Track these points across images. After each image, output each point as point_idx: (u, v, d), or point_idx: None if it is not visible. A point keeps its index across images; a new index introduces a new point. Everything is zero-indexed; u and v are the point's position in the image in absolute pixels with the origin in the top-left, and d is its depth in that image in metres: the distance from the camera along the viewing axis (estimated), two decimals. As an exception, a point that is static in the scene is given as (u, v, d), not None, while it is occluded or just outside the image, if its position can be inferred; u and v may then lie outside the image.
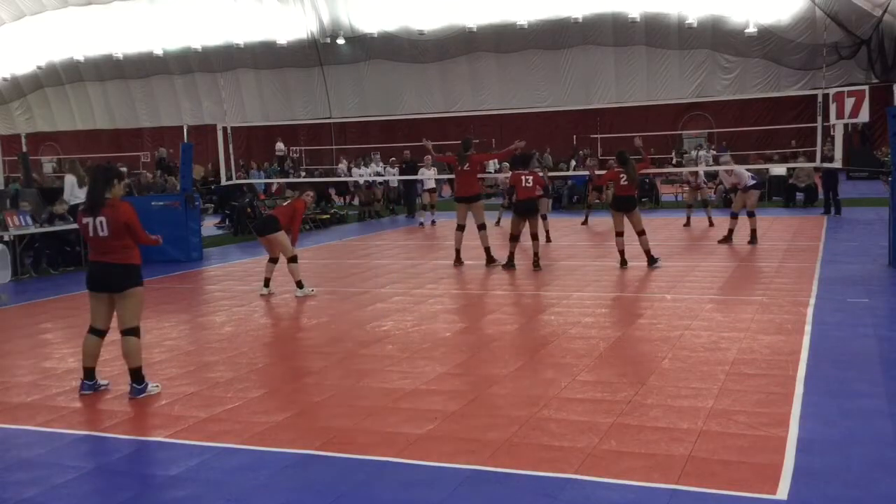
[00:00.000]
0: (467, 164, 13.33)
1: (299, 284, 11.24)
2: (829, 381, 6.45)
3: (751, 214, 14.82)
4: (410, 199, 24.22)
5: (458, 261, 13.47)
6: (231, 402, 6.47)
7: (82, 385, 6.86)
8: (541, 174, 15.22)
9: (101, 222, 6.57)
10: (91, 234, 6.62)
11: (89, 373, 6.85)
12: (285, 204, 12.03)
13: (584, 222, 19.26)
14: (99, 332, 6.81)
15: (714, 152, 30.06)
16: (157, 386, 6.89)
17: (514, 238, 12.90)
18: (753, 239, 14.63)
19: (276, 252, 11.38)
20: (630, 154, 13.14)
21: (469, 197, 13.38)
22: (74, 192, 15.82)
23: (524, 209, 12.72)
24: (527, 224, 12.74)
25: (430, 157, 21.60)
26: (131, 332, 6.68)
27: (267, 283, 11.42)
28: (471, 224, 13.41)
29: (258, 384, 6.94)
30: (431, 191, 21.41)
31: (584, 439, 5.33)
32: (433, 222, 20.77)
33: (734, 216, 15.06)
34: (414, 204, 23.80)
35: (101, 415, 6.31)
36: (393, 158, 28.84)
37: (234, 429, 5.83)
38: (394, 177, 25.85)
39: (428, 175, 21.47)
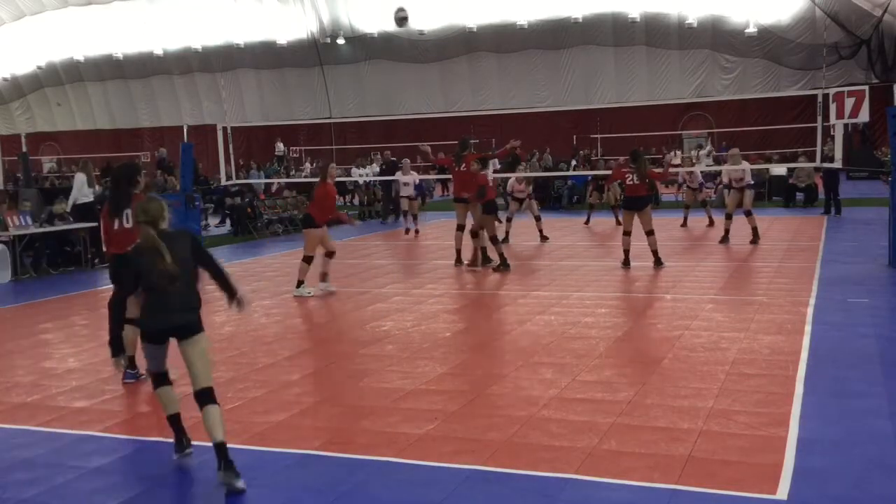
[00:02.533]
0: (464, 165, 13.33)
1: (300, 283, 11.23)
2: (829, 381, 6.45)
3: (748, 213, 14.80)
4: (387, 202, 22.91)
5: (459, 261, 13.47)
6: (231, 402, 6.47)
7: (125, 374, 7.00)
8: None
9: (126, 214, 6.84)
10: (116, 227, 6.86)
11: (131, 361, 6.98)
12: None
13: (587, 222, 19.22)
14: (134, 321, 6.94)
15: (715, 153, 30.06)
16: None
17: (496, 239, 12.99)
18: (756, 237, 14.61)
19: (328, 246, 11.36)
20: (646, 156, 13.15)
21: (466, 199, 13.35)
22: (84, 190, 15.88)
23: (494, 208, 13.01)
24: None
25: (407, 161, 20.79)
26: None
27: (324, 277, 11.44)
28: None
29: (258, 384, 6.94)
30: (411, 198, 19.41)
31: (584, 439, 5.33)
32: (415, 231, 18.82)
33: (729, 217, 15.01)
34: (388, 208, 22.78)
35: (101, 415, 6.30)
36: (394, 158, 28.82)
37: (234, 429, 5.82)
38: (369, 177, 25.35)
39: (406, 180, 19.76)
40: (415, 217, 19.04)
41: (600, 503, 4.48)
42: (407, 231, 18.83)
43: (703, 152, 29.77)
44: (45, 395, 6.87)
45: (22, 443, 5.77)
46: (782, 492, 4.47)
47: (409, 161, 20.81)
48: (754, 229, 14.68)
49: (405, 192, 19.53)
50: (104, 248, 7.00)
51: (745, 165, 15.38)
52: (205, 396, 4.93)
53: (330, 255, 11.45)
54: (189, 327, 5.03)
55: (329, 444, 5.46)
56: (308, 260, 11.29)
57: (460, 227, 13.43)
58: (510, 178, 17.95)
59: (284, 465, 5.14)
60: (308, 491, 4.77)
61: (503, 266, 12.71)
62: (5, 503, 4.74)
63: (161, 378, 5.26)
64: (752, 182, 15.20)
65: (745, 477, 4.67)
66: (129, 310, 6.77)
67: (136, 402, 6.59)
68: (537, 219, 16.53)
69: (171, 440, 5.42)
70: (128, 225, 6.83)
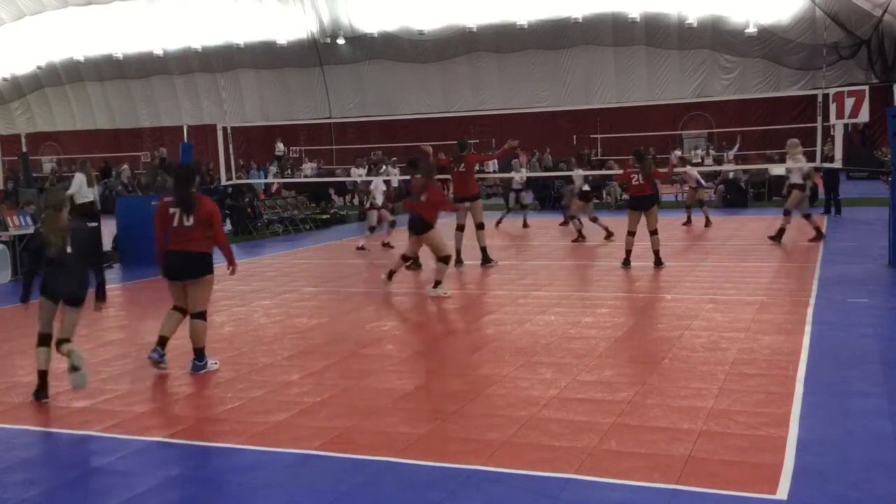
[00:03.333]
0: (462, 165, 13.27)
1: (438, 283, 10.83)
2: (829, 381, 6.45)
3: (786, 213, 14.70)
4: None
5: (459, 261, 13.46)
6: (231, 402, 6.47)
7: (154, 350, 7.36)
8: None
9: (187, 214, 7.26)
10: (175, 223, 7.27)
11: (163, 341, 7.39)
12: (423, 199, 10.93)
13: (565, 223, 18.53)
14: (183, 311, 7.45)
15: (714, 152, 29.95)
16: (216, 363, 7.51)
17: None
18: (777, 237, 14.39)
19: (439, 251, 10.95)
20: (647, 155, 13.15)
21: (468, 197, 13.36)
22: (83, 190, 15.89)
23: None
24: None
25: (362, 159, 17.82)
26: (201, 315, 7.36)
27: (437, 284, 10.87)
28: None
29: (258, 384, 6.94)
30: (380, 207, 16.50)
31: (584, 439, 5.33)
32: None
33: (808, 216, 14.72)
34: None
35: (101, 415, 6.30)
36: (394, 158, 28.80)
37: (234, 429, 5.83)
38: (360, 178, 24.91)
39: (360, 179, 16.53)
40: (392, 224, 16.86)
41: (600, 503, 4.48)
42: (385, 244, 16.32)
43: (731, 152, 29.42)
44: (45, 395, 6.87)
45: (22, 443, 5.77)
46: (782, 492, 4.47)
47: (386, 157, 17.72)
48: (781, 230, 14.47)
49: (380, 199, 16.51)
50: (159, 247, 7.44)
51: (796, 162, 14.80)
52: (64, 342, 6.58)
53: (444, 260, 10.93)
54: (74, 298, 6.56)
55: (329, 444, 5.46)
56: (444, 260, 10.90)
57: (460, 228, 13.39)
58: (575, 174, 17.05)
59: (284, 465, 5.14)
60: (308, 491, 4.77)
61: (415, 264, 12.78)
62: (5, 503, 4.74)
63: (44, 339, 6.61)
64: (800, 182, 14.73)
65: (745, 477, 4.67)
66: (176, 300, 7.39)
67: (136, 402, 6.59)
68: (594, 220, 16.12)
69: (172, 440, 5.47)
70: (188, 223, 7.24)
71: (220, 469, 5.13)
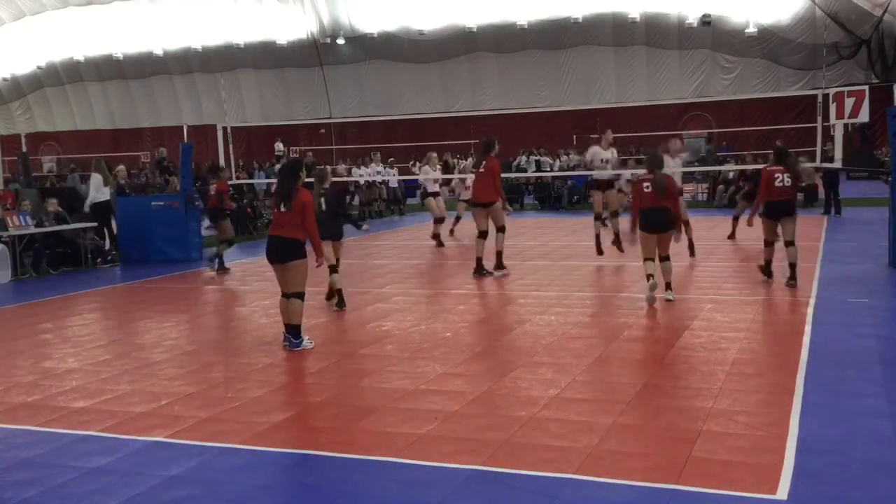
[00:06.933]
0: (483, 167, 12.12)
1: (500, 265, 12.13)
2: (829, 381, 6.45)
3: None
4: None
5: (479, 269, 12.31)
6: (231, 402, 6.47)
7: (285, 338, 8.10)
8: None
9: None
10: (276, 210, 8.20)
11: (297, 330, 8.04)
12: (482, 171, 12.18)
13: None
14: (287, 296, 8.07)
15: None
16: (311, 341, 8.10)
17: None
18: None
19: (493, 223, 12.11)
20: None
21: (482, 203, 12.20)
22: (101, 189, 16.02)
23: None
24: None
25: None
26: (297, 295, 8.00)
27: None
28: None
29: (258, 384, 6.94)
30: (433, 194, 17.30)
31: (584, 439, 5.33)
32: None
33: None
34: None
35: (101, 415, 6.30)
36: (392, 158, 28.79)
37: (234, 429, 5.83)
38: (371, 177, 25.12)
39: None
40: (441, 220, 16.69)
41: (600, 503, 4.48)
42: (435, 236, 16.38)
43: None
44: (45, 395, 6.87)
45: (22, 443, 5.76)
46: (782, 492, 4.47)
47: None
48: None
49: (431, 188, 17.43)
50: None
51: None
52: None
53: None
54: (332, 236, 9.89)
55: (329, 444, 5.46)
56: (502, 229, 12.17)
57: (482, 234, 12.28)
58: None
59: (284, 465, 5.14)
60: (308, 491, 4.77)
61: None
62: (5, 503, 4.74)
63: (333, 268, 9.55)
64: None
65: (745, 477, 4.67)
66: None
67: (136, 402, 6.59)
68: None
69: (172, 440, 5.51)
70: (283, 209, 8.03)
71: (220, 469, 5.13)
